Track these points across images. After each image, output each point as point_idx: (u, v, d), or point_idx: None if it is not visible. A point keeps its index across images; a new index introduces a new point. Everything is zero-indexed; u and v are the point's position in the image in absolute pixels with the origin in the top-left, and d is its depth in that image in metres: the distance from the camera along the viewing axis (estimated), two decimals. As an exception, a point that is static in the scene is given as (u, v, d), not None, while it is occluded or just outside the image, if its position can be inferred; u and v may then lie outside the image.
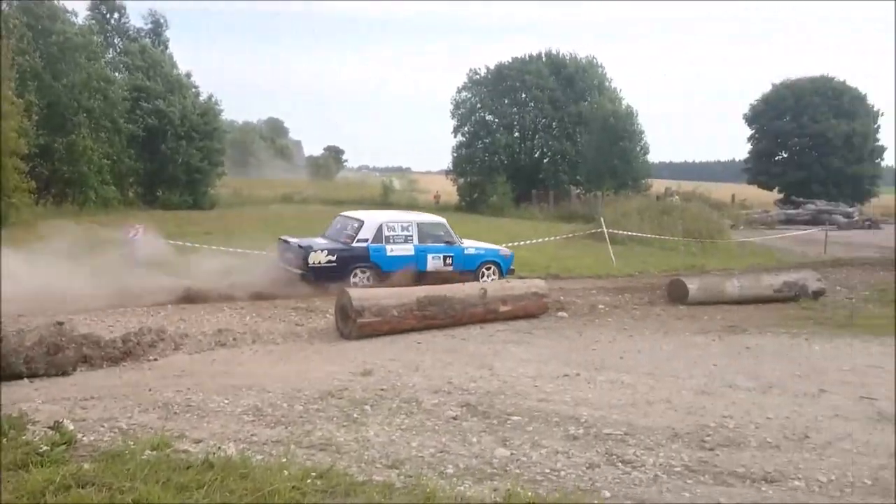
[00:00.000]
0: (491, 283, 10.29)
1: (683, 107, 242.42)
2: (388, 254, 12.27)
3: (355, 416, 5.73)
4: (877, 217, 39.07)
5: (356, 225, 12.54)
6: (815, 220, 32.48)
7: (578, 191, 39.83)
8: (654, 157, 45.21)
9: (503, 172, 39.22)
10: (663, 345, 8.96)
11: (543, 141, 42.07)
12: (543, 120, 41.75)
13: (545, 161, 41.81)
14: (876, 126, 46.20)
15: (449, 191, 42.71)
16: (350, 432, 5.32)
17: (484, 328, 9.63)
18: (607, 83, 42.16)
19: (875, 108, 46.35)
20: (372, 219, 12.74)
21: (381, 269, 12.12)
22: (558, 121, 41.23)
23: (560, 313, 10.99)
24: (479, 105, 42.95)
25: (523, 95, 41.85)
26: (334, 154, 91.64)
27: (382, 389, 6.50)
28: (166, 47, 35.65)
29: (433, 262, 12.65)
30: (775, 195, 46.14)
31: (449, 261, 12.77)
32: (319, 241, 12.30)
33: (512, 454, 4.96)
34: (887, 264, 17.89)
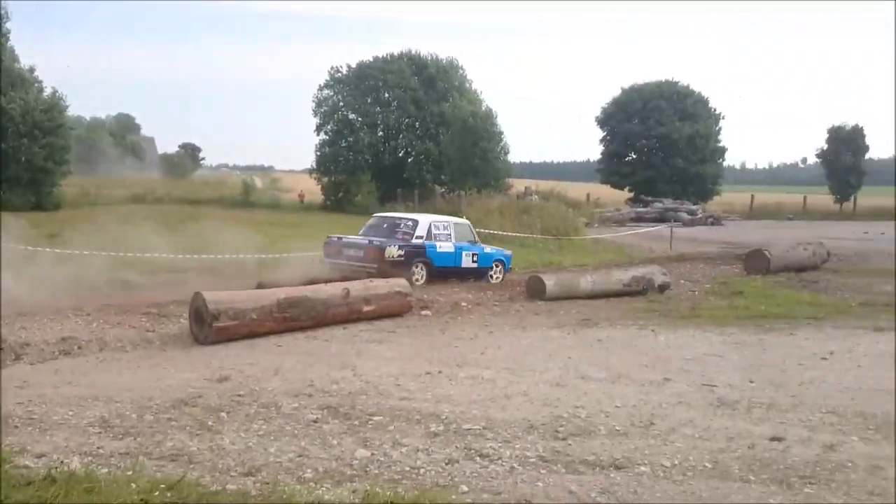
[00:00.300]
0: (354, 283, 10.24)
1: (544, 109, 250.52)
2: (438, 250, 13.79)
3: (210, 423, 5.55)
4: (719, 214, 41.85)
5: (410, 224, 13.99)
6: (662, 218, 34.38)
7: (443, 190, 40.32)
8: (514, 157, 46.52)
9: (368, 171, 39.13)
10: (522, 339, 9.22)
11: (407, 140, 42.28)
12: (407, 119, 41.96)
13: (409, 160, 42.04)
14: (717, 128, 49.52)
15: (314, 190, 42.15)
16: (204, 441, 5.14)
17: (347, 328, 9.57)
18: (467, 84, 42.89)
19: (716, 111, 49.66)
20: (423, 218, 14.45)
21: (434, 264, 13.62)
22: (421, 121, 41.57)
23: (424, 312, 11.08)
24: (341, 103, 42.63)
25: (386, 95, 41.91)
26: (190, 152, 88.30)
27: (239, 395, 6.33)
28: (7, 39, 33.16)
29: (466, 259, 14.21)
30: (626, 194, 48.54)
31: (476, 258, 14.37)
32: (382, 239, 13.44)
33: (372, 454, 4.95)
34: (727, 258, 19.17)
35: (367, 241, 13.31)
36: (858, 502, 4.20)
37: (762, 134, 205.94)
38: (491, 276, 14.38)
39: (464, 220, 15.40)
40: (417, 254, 13.45)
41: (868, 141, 54.62)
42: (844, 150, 53.45)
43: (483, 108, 38.33)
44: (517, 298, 12.58)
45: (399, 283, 10.84)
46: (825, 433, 5.46)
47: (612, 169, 49.82)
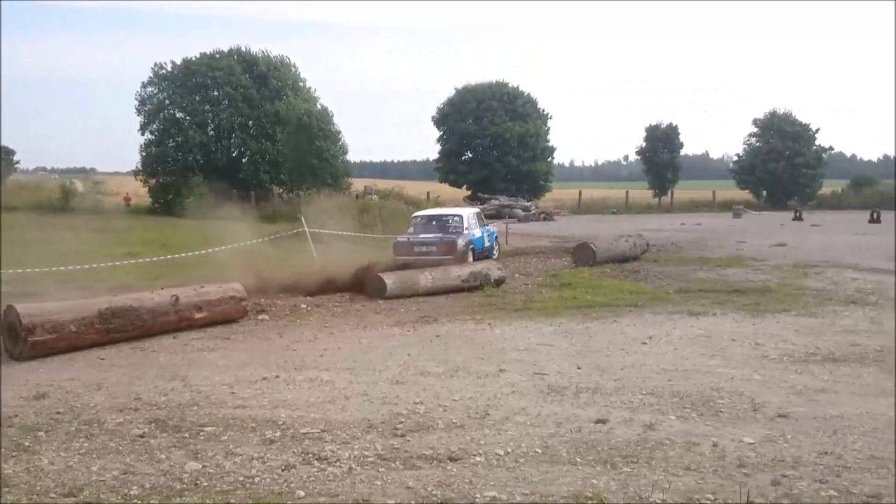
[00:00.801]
0: (183, 290, 9.81)
1: (383, 108, 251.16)
2: (475, 237, 17.18)
3: (27, 444, 5.17)
4: (551, 210, 43.70)
5: (458, 219, 17.24)
6: (498, 215, 35.47)
7: (280, 190, 39.54)
8: (354, 156, 46.33)
9: (199, 172, 37.67)
10: (362, 339, 9.19)
11: (241, 140, 41.11)
12: (239, 118, 40.77)
13: (244, 160, 40.89)
14: (546, 127, 51.68)
15: (141, 192, 40.06)
16: (20, 463, 4.79)
17: (177, 337, 9.17)
18: (301, 83, 42.28)
19: (545, 111, 51.80)
20: (464, 212, 18.03)
21: (476, 248, 16.86)
22: (255, 120, 40.53)
23: (261, 316, 10.81)
24: (167, 101, 40.78)
25: (216, 92, 40.52)
26: (3, 155, 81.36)
27: (59, 413, 5.92)
28: None
29: (487, 240, 18.05)
30: (464, 192, 49.68)
31: (489, 237, 18.28)
32: (441, 234, 16.48)
33: (203, 467, 4.77)
34: (558, 252, 20.04)
35: (438, 238, 16.25)
36: (676, 477, 4.49)
37: (588, 133, 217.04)
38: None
39: (477, 208, 20.55)
40: (469, 242, 16.62)
41: (682, 139, 58.92)
42: (661, 147, 57.33)
43: (318, 107, 37.93)
44: (358, 298, 12.54)
45: (233, 288, 10.50)
46: (645, 413, 5.81)
47: (449, 168, 50.84)
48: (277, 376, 7.18)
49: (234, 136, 41.19)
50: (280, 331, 9.82)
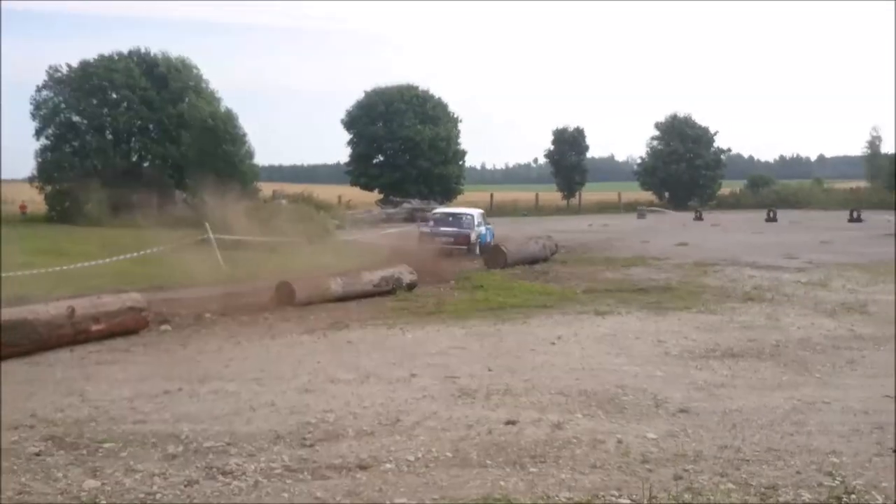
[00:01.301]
0: (80, 301, 9.39)
1: (292, 111, 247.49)
2: (482, 232, 20.90)
3: None
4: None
5: (469, 217, 21.62)
6: (411, 218, 35.47)
7: (184, 196, 38.43)
8: (263, 160, 45.49)
9: (98, 178, 36.18)
10: (270, 348, 9.00)
11: (142, 144, 39.75)
12: (139, 122, 39.41)
13: (146, 165, 39.58)
14: (457, 131, 52.07)
15: (38, 200, 38.21)
16: None
17: (75, 351, 8.75)
18: (204, 85, 41.21)
19: (455, 115, 52.18)
20: (473, 212, 22.62)
21: (481, 242, 20.34)
22: (156, 123, 39.25)
23: (163, 327, 10.44)
24: (63, 105, 39.06)
25: (114, 95, 39.07)
26: None
27: (-58, 436, 5.55)
28: None
29: (488, 234, 21.24)
30: (376, 196, 49.50)
31: (489, 233, 21.51)
32: (459, 228, 20.77)
33: (102, 484, 4.57)
34: (472, 254, 20.17)
35: (456, 231, 20.45)
36: (582, 475, 4.56)
37: (498, 136, 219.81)
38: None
39: (480, 210, 24.30)
40: (478, 236, 20.46)
41: (588, 142, 60.40)
42: (568, 150, 58.60)
43: (222, 110, 37.07)
44: (267, 306, 12.28)
45: (132, 298, 10.12)
46: (554, 413, 5.90)
47: (361, 171, 50.59)
48: (180, 389, 6.94)
49: (133, 139, 39.81)
50: (183, 342, 9.52)
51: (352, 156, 51.53)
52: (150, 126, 39.55)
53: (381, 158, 50.56)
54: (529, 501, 4.10)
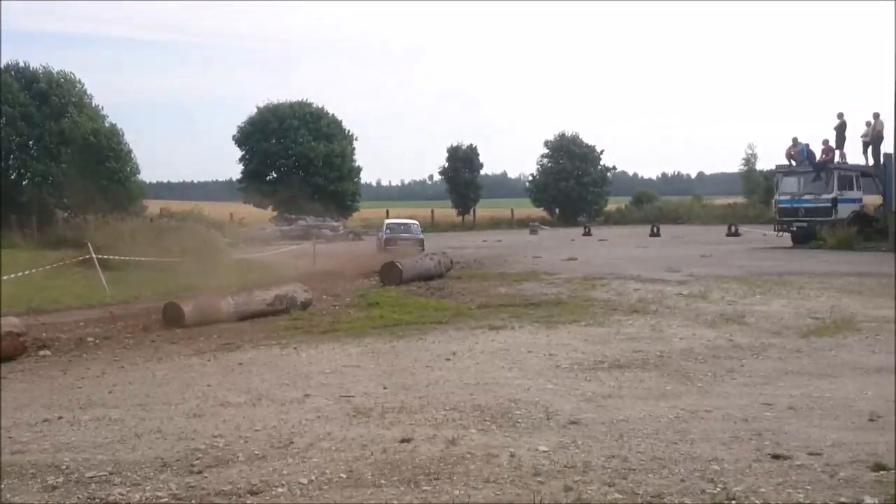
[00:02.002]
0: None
1: (182, 126, 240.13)
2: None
3: None
4: (359, 229, 43.78)
5: (415, 226, 30.13)
6: (306, 235, 34.99)
7: (66, 214, 36.67)
8: (149, 177, 43.95)
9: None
10: (157, 371, 8.68)
11: (21, 161, 37.78)
12: (18, 138, 37.45)
13: (25, 183, 37.59)
14: (352, 148, 51.90)
15: None
16: None
17: (-59, 380, 8.18)
18: (87, 100, 39.59)
19: (349, 132, 52.01)
20: (415, 221, 31.93)
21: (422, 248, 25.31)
22: (36, 139, 37.40)
23: (42, 352, 9.93)
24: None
25: (-9, 111, 37.06)
26: None
27: None
28: None
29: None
30: (270, 213, 48.67)
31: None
32: (412, 234, 28.20)
33: (-29, 524, 4.27)
34: (366, 272, 20.07)
35: (411, 235, 27.69)
36: (476, 490, 4.60)
37: (394, 153, 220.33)
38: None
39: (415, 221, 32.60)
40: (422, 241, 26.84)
41: (482, 159, 61.37)
42: (463, 167, 59.33)
43: (106, 126, 35.69)
44: (153, 328, 11.86)
45: (9, 323, 9.58)
46: (448, 429, 5.93)
47: (254, 188, 49.68)
48: (60, 417, 6.61)
49: (12, 157, 37.77)
50: (64, 367, 9.06)
51: (244, 172, 50.58)
52: (30, 143, 37.67)
53: (275, 175, 49.82)
54: (423, 520, 4.10)
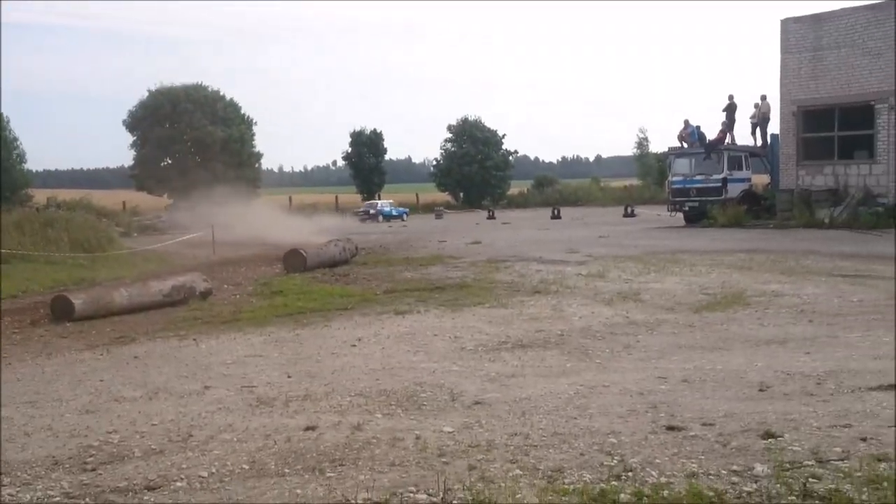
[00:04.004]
0: None
1: (71, 112, 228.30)
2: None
3: None
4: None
5: (383, 203, 49.54)
6: (194, 224, 33.93)
7: (-58, 205, 34.43)
8: (36, 165, 41.80)
9: None
10: (46, 367, 8.28)
11: None
12: None
13: None
14: (252, 133, 50.67)
15: None
16: None
17: None
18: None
19: (248, 117, 50.75)
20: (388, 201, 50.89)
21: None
22: None
23: (-83, 351, 9.30)
24: None
25: None
26: None
27: None
28: None
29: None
30: (166, 201, 47.08)
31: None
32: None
33: None
34: (269, 259, 19.72)
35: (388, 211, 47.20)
36: (381, 474, 4.59)
37: (296, 139, 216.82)
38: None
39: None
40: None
41: (386, 144, 61.13)
42: (367, 152, 58.93)
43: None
44: (41, 322, 11.30)
45: None
46: (354, 415, 5.89)
47: (147, 174, 47.94)
48: (-60, 419, 6.22)
49: None
50: (-58, 367, 8.53)
51: (136, 159, 48.61)
52: None
53: (170, 161, 48.12)
54: (328, 506, 4.06)
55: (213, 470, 4.79)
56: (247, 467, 4.83)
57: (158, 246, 23.64)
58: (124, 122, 48.13)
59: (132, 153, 48.91)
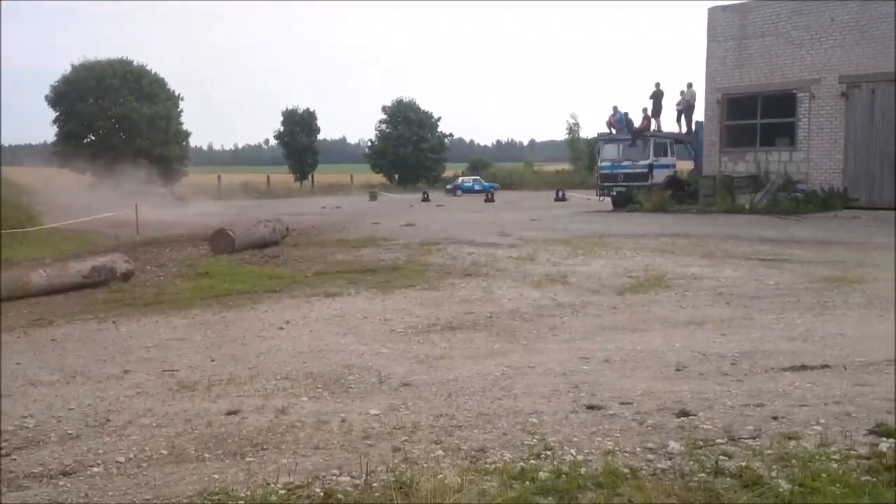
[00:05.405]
0: None
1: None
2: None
3: None
4: (187, 195, 41.94)
5: (465, 179, 55.31)
6: (118, 202, 32.98)
7: None
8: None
9: None
10: (-43, 352, 7.96)
11: None
12: None
13: None
14: (179, 109, 49.37)
15: None
16: None
17: None
18: None
19: (176, 93, 49.41)
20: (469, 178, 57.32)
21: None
22: None
23: None
24: None
25: None
26: None
27: None
28: None
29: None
30: (90, 178, 45.57)
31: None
32: None
33: None
34: (195, 240, 19.31)
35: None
36: (304, 457, 4.57)
37: (226, 116, 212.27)
38: None
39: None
40: None
41: (319, 123, 60.38)
42: (299, 131, 58.11)
43: None
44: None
45: None
46: (278, 399, 5.84)
47: (70, 151, 46.25)
48: None
49: None
50: None
51: (59, 135, 46.86)
52: None
53: (94, 138, 46.56)
54: (248, 490, 4.03)
55: (131, 455, 4.70)
56: (165, 452, 4.75)
57: (79, 223, 22.88)
58: (47, 97, 46.33)
59: (55, 129, 47.23)
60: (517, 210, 31.61)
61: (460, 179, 57.30)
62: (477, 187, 53.82)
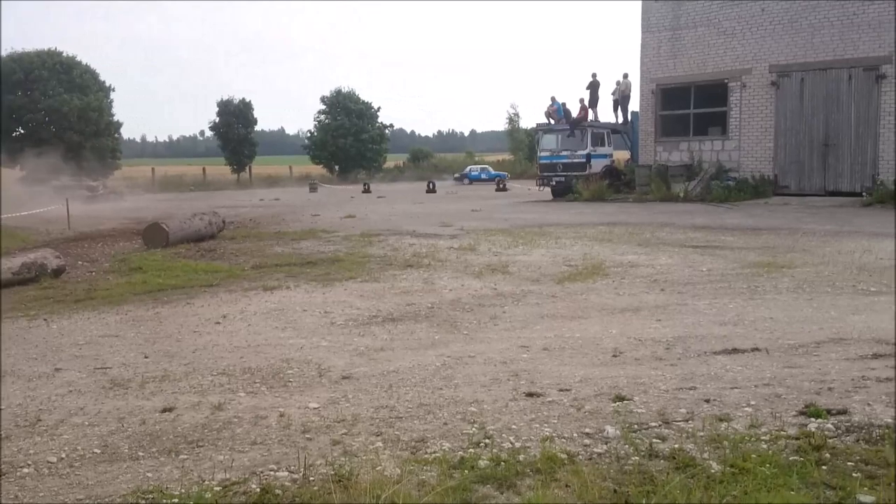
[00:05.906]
0: None
1: None
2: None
3: None
4: (121, 189, 40.90)
5: (473, 167, 53.07)
6: (49, 197, 32.03)
7: None
8: None
9: None
10: None
11: None
12: None
13: None
14: (109, 101, 48.07)
15: None
16: None
17: None
18: None
19: (107, 84, 48.09)
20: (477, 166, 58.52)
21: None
22: None
23: None
24: None
25: None
26: None
27: None
28: None
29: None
30: (19, 173, 44.06)
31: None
32: None
33: None
34: (128, 234, 18.86)
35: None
36: (241, 453, 4.51)
37: (160, 107, 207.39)
38: None
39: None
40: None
41: (257, 114, 59.42)
42: (236, 122, 57.14)
43: None
44: None
45: None
46: (215, 395, 5.75)
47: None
48: None
49: None
50: None
51: (-15, 128, 45.14)
52: None
53: (22, 131, 45.00)
54: (183, 488, 3.95)
55: (63, 455, 4.58)
56: (98, 451, 4.64)
57: (8, 219, 22.10)
58: (-29, 90, 44.58)
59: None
60: (459, 200, 31.71)
61: (468, 168, 56.92)
62: (484, 176, 52.95)
